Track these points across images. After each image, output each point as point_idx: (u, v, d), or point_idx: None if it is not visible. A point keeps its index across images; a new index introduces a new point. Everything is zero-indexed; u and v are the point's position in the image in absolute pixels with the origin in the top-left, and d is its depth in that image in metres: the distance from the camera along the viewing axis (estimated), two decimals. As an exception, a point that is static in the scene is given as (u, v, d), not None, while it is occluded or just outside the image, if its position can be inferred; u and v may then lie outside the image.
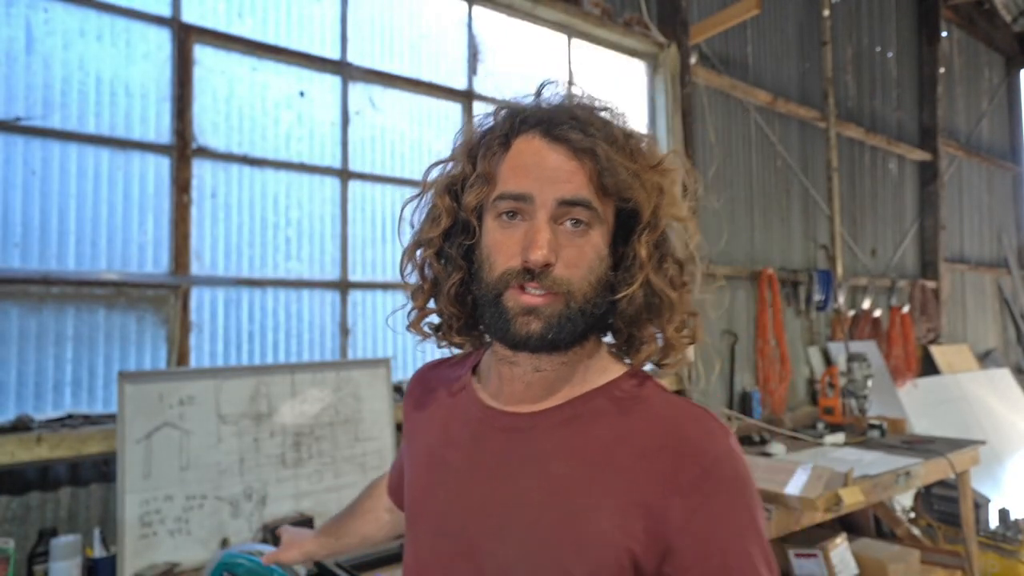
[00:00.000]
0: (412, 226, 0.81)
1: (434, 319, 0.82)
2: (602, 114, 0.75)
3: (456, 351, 0.86)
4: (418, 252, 0.79)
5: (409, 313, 0.81)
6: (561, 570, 0.66)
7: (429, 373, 0.93)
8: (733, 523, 0.66)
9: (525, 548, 0.68)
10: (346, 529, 1.11)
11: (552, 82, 0.78)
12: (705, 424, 0.70)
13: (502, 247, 0.71)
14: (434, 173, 0.80)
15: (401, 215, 0.82)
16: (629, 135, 0.75)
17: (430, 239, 0.77)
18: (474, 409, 0.79)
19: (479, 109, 2.94)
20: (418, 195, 0.81)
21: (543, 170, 0.70)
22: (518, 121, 0.74)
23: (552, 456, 0.71)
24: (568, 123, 0.71)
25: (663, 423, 0.70)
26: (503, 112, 0.76)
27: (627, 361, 0.78)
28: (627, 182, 0.71)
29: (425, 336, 0.82)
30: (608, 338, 0.79)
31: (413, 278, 0.81)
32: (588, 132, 0.71)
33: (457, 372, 0.88)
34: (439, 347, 0.84)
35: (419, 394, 0.90)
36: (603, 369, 0.77)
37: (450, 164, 0.79)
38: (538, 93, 0.78)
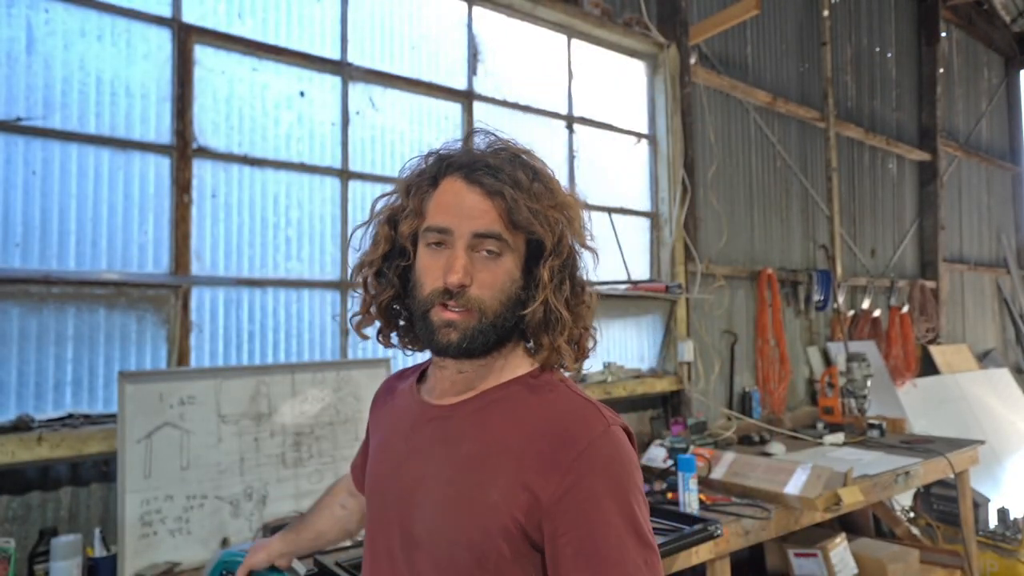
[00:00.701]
0: (356, 250, 0.97)
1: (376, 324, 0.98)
2: (516, 161, 0.89)
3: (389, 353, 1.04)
4: (362, 270, 0.94)
5: (352, 317, 0.97)
6: (462, 533, 0.81)
7: (392, 381, 1.09)
8: (603, 498, 0.78)
9: (438, 515, 0.84)
10: (305, 524, 1.24)
11: (479, 131, 0.94)
12: (584, 413, 0.84)
13: (429, 270, 0.86)
14: (380, 204, 0.95)
15: (351, 236, 0.98)
16: (534, 180, 0.88)
17: (371, 260, 0.93)
18: (414, 404, 0.96)
19: (479, 109, 2.94)
20: (366, 223, 0.96)
21: (461, 208, 0.85)
22: (444, 165, 0.89)
23: (463, 439, 0.86)
24: (483, 169, 0.86)
25: (551, 411, 0.85)
26: (432, 157, 0.92)
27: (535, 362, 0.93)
28: (529, 219, 0.85)
29: (364, 337, 0.98)
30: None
31: (359, 291, 0.96)
32: (499, 177, 0.85)
33: (410, 378, 1.03)
34: (383, 347, 1.02)
35: (382, 397, 1.08)
36: (515, 367, 0.91)
37: (392, 197, 0.94)
38: (466, 139, 0.93)
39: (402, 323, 0.97)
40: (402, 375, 1.08)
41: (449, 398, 0.92)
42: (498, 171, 0.86)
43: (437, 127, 2.83)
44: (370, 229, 0.96)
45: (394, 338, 0.98)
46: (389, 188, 0.95)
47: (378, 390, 1.11)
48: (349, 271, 0.98)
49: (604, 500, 0.78)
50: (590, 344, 0.95)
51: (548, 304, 0.87)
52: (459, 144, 0.93)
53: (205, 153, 2.18)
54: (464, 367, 0.89)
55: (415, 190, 0.90)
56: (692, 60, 3.68)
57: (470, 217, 0.84)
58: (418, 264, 0.88)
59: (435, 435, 0.90)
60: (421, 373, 1.02)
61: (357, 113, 2.57)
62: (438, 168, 0.90)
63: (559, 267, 0.88)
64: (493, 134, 0.93)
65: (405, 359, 2.68)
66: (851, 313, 4.82)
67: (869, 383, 3.57)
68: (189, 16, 2.16)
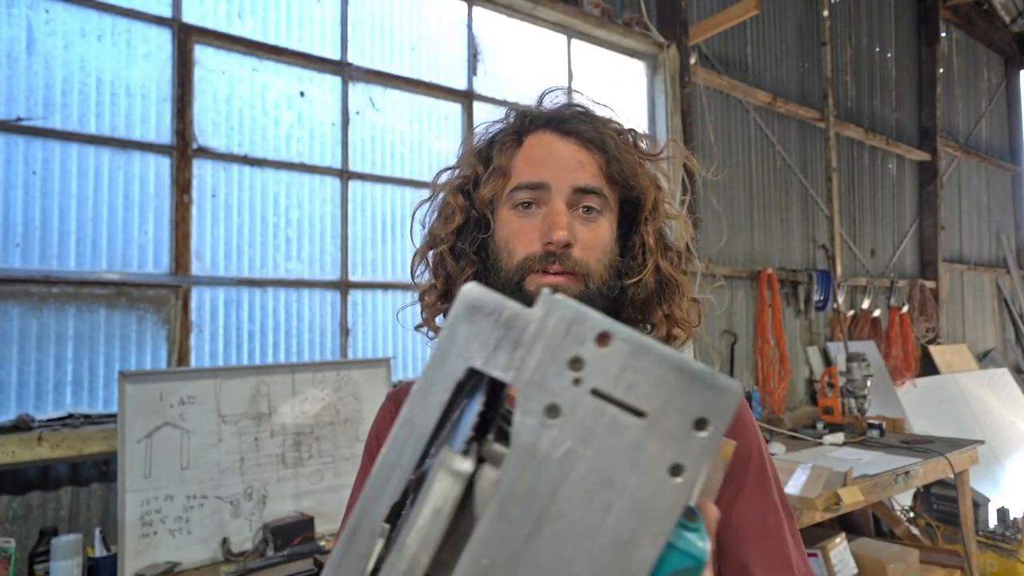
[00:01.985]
0: (423, 227, 0.84)
1: (441, 319, 0.84)
2: (602, 112, 0.80)
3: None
4: (430, 252, 0.82)
5: (421, 312, 0.84)
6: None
7: (405, 392, 0.90)
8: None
9: None
10: None
11: (552, 90, 0.83)
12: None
13: (520, 235, 0.74)
14: (443, 177, 0.84)
15: (413, 217, 0.86)
16: (629, 130, 0.80)
17: (444, 236, 0.80)
18: None
19: (479, 109, 2.94)
20: (429, 198, 0.85)
21: (557, 160, 0.74)
22: (528, 121, 0.79)
23: None
24: (576, 118, 0.77)
25: None
26: (513, 113, 0.81)
27: None
28: (633, 171, 0.76)
29: (437, 332, 0.83)
30: None
31: (424, 278, 0.83)
32: (595, 125, 0.76)
33: None
34: None
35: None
36: None
37: (459, 168, 0.83)
38: (540, 100, 0.83)
39: None
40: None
41: None
42: (593, 119, 0.78)
43: (437, 127, 2.83)
44: (432, 205, 0.85)
45: None
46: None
47: (385, 409, 0.90)
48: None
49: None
50: (699, 315, 0.84)
51: (660, 271, 0.77)
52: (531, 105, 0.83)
53: (205, 153, 2.18)
54: None
55: (498, 148, 0.78)
56: (692, 60, 3.68)
57: (568, 169, 0.74)
58: (503, 231, 0.76)
59: None
60: None
61: (357, 113, 2.57)
62: (521, 124, 0.80)
63: (660, 230, 0.79)
64: (570, 90, 0.83)
65: (405, 359, 2.68)
66: (851, 313, 4.82)
67: (869, 383, 3.57)
68: (189, 16, 2.16)
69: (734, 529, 0.73)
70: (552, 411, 0.28)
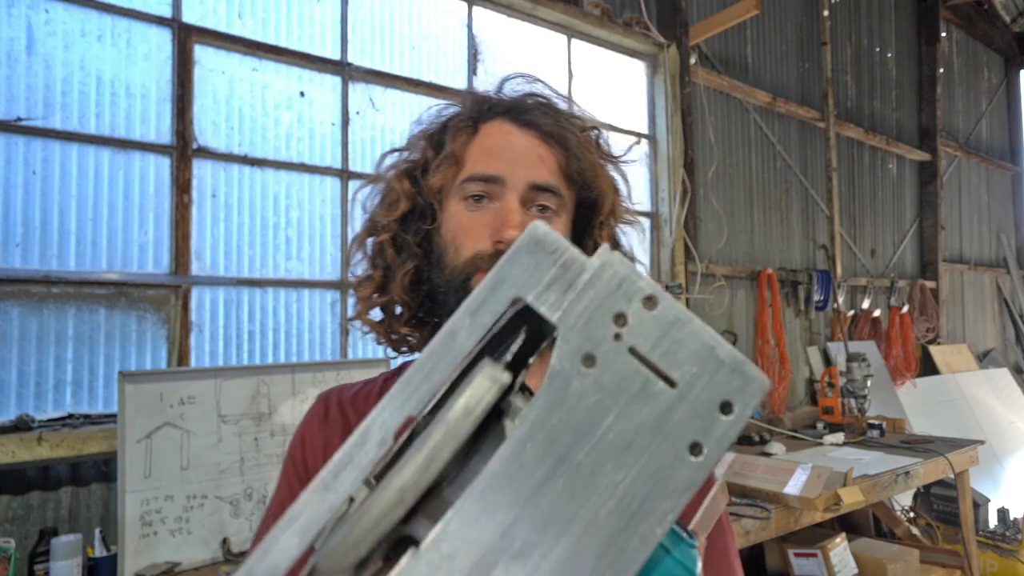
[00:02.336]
0: (364, 211, 0.77)
1: (377, 313, 0.78)
2: (564, 105, 0.76)
3: (392, 354, 0.81)
4: (369, 240, 0.76)
5: (355, 305, 0.77)
6: None
7: (339, 394, 0.79)
8: None
9: None
10: None
11: (514, 76, 0.78)
12: None
13: (469, 230, 0.68)
14: (389, 160, 0.77)
15: (353, 200, 0.79)
16: (593, 127, 0.75)
17: (386, 223, 0.74)
18: None
19: (479, 109, 2.94)
20: (372, 180, 0.78)
21: (514, 152, 0.69)
22: (486, 107, 0.73)
23: None
24: (538, 109, 0.72)
25: None
26: (469, 98, 0.75)
27: None
28: (593, 172, 0.71)
29: (372, 327, 0.77)
30: None
31: (360, 268, 0.77)
32: (557, 119, 0.71)
33: (374, 386, 0.78)
34: (379, 342, 0.79)
35: (329, 419, 0.76)
36: None
37: (407, 151, 0.76)
38: (500, 86, 0.77)
39: (424, 304, 0.76)
40: (352, 389, 0.79)
41: None
42: (555, 112, 0.72)
43: (437, 127, 2.83)
44: (375, 190, 0.77)
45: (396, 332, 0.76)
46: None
47: (314, 412, 0.77)
48: (351, 267, 0.77)
49: None
50: None
51: None
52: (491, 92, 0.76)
53: (205, 153, 2.18)
54: None
55: (451, 134, 0.72)
56: (692, 60, 3.68)
57: (525, 164, 0.69)
58: (450, 224, 0.70)
59: None
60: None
61: (357, 113, 2.57)
62: (478, 110, 0.73)
63: (614, 237, 0.75)
64: (535, 80, 0.77)
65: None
66: (851, 313, 4.82)
67: (869, 383, 3.57)
68: (189, 16, 2.16)
69: None
70: (589, 360, 0.29)
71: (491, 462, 0.27)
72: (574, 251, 0.30)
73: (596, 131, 0.77)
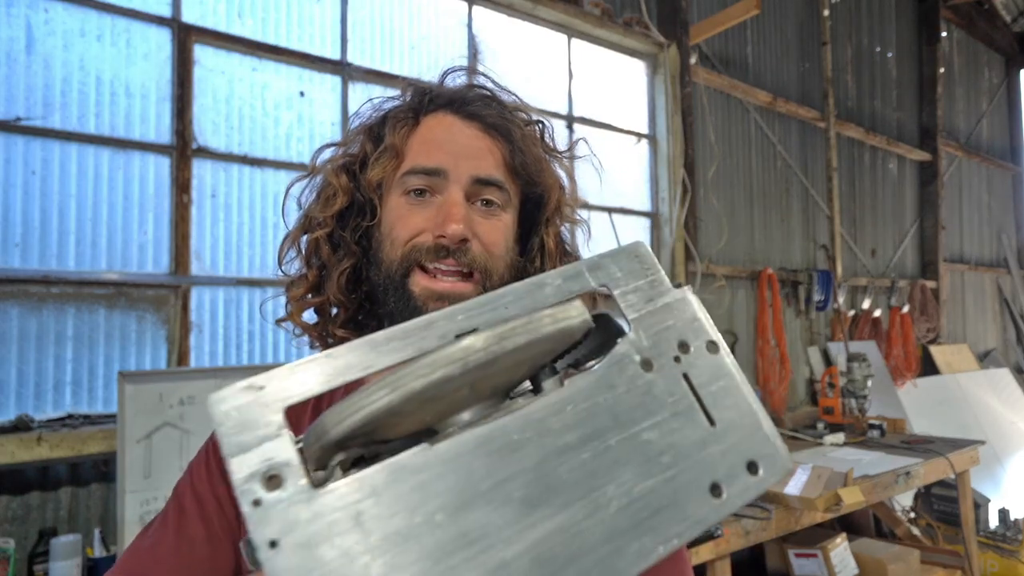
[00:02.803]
0: (300, 207, 0.74)
1: (311, 315, 0.74)
2: (510, 98, 0.73)
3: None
4: (303, 237, 0.73)
5: (286, 305, 0.74)
6: None
7: None
8: None
9: None
10: None
11: (455, 69, 0.75)
12: None
13: (408, 222, 0.65)
14: (326, 154, 0.74)
15: (287, 195, 0.75)
16: (537, 121, 0.73)
17: (322, 220, 0.70)
18: None
19: (479, 109, 2.94)
20: (307, 175, 0.74)
21: (456, 145, 0.66)
22: (427, 99, 0.70)
23: None
24: (481, 101, 0.70)
25: None
26: (410, 89, 0.72)
27: None
28: (538, 166, 0.69)
29: (305, 329, 0.73)
30: None
31: (294, 266, 0.74)
32: (501, 111, 0.69)
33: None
34: (313, 346, 0.75)
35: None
36: None
37: (345, 146, 0.73)
38: (441, 78, 0.74)
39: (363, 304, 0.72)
40: None
41: None
42: (500, 104, 0.70)
43: (437, 127, 2.82)
44: (311, 185, 0.74)
45: (331, 334, 0.72)
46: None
47: (206, 453, 0.69)
48: (283, 266, 0.76)
49: None
50: None
51: None
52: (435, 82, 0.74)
53: (205, 153, 2.18)
54: None
55: (391, 126, 0.69)
56: (692, 60, 3.68)
57: (468, 156, 0.66)
58: (389, 217, 0.67)
59: None
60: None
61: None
62: (419, 102, 0.71)
63: (559, 233, 0.73)
64: (477, 72, 0.75)
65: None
66: (851, 313, 4.82)
67: (869, 383, 3.56)
68: (189, 16, 2.16)
69: None
70: (647, 364, 0.31)
71: (528, 406, 0.28)
72: (665, 276, 0.34)
73: (541, 124, 0.74)
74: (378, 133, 0.70)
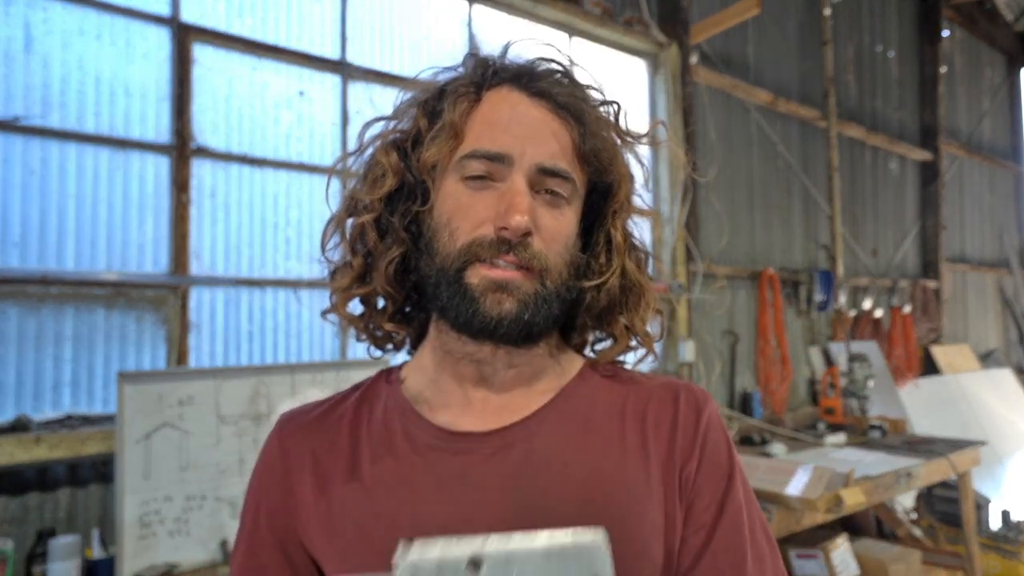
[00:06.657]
0: (343, 187, 0.68)
1: (356, 305, 0.69)
2: (580, 74, 0.67)
3: (376, 352, 0.74)
4: (349, 221, 0.66)
5: (330, 296, 0.68)
6: None
7: (299, 418, 0.70)
8: (728, 467, 0.64)
9: None
10: None
11: (517, 42, 0.67)
12: (692, 388, 0.67)
13: (468, 213, 0.59)
14: (375, 128, 0.67)
15: (332, 173, 0.70)
16: (612, 101, 0.67)
17: (369, 203, 0.64)
18: (424, 445, 0.62)
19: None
20: (354, 152, 0.67)
21: (523, 127, 0.60)
22: (491, 72, 0.63)
23: (564, 466, 0.60)
24: (551, 76, 0.63)
25: (661, 392, 0.65)
26: (471, 61, 0.65)
27: (589, 355, 0.70)
28: (611, 153, 0.63)
29: (351, 322, 0.68)
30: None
31: (338, 253, 0.68)
32: (573, 89, 0.63)
33: (345, 407, 0.70)
34: (359, 339, 0.71)
35: (296, 447, 0.66)
36: (570, 363, 0.67)
37: (396, 120, 0.66)
38: (504, 52, 0.66)
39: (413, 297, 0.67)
40: (316, 410, 0.71)
41: (496, 413, 0.62)
42: (572, 81, 0.64)
43: (437, 127, 2.82)
44: (358, 162, 0.67)
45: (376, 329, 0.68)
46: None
47: (271, 451, 0.68)
48: (326, 252, 0.69)
49: (731, 468, 0.64)
50: (658, 327, 0.70)
51: (627, 274, 0.65)
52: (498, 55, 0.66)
53: (204, 153, 2.18)
54: (517, 359, 0.63)
55: (451, 101, 0.61)
56: (693, 59, 3.67)
57: (535, 140, 0.59)
58: (446, 206, 0.61)
59: (504, 475, 0.59)
60: (364, 396, 0.71)
61: (357, 113, 2.57)
62: (481, 75, 0.63)
63: (627, 229, 0.67)
64: (546, 46, 0.67)
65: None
66: (853, 313, 4.81)
67: (871, 384, 3.56)
68: (188, 15, 2.16)
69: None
70: None
71: None
72: None
73: (616, 106, 0.67)
74: (434, 108, 0.63)
